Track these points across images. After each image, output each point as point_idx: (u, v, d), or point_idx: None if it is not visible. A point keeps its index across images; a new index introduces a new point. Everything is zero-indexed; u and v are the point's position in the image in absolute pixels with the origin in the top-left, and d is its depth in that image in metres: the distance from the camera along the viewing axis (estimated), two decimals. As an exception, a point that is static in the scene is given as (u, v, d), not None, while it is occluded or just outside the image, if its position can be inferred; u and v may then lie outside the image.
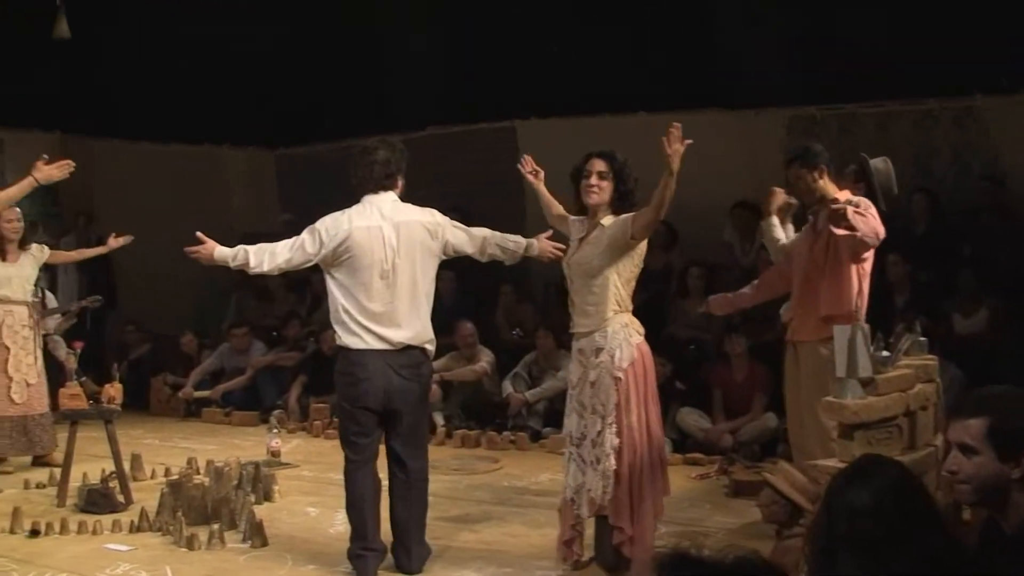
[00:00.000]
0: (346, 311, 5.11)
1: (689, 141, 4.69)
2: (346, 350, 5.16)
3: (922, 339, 5.21)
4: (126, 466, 7.18)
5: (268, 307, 12.36)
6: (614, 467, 4.89)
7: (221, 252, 5.14)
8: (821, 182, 5.51)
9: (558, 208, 5.58)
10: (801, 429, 5.60)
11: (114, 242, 8.35)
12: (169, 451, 8.77)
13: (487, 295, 10.89)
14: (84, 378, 7.77)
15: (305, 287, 11.94)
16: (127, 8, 11.12)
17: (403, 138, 13.01)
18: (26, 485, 7.40)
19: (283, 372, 10.84)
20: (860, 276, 5.43)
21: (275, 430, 8.46)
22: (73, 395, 7.12)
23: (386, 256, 5.08)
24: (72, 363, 7.44)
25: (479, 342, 9.72)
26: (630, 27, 10.61)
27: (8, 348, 7.86)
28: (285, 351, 11.12)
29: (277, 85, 12.37)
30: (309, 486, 7.44)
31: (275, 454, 8.11)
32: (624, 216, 4.99)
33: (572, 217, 5.33)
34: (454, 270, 9.67)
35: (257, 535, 5.84)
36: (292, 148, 13.67)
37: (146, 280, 11.86)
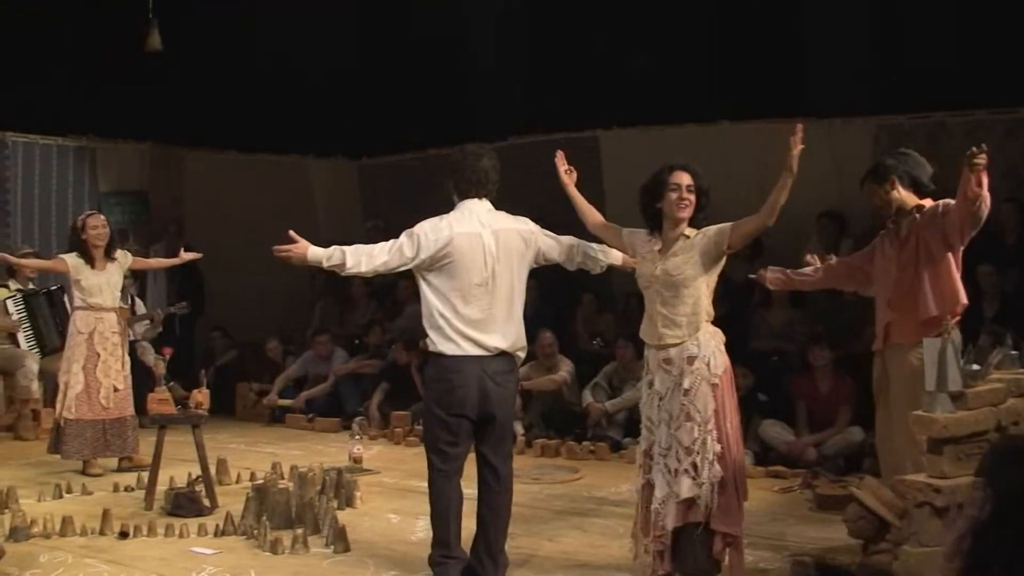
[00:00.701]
0: (442, 316, 5.05)
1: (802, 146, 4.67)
2: (441, 356, 5.08)
3: (1014, 352, 5.10)
4: (212, 470, 7.30)
5: (350, 315, 12.49)
6: (721, 473, 4.82)
7: (315, 252, 5.09)
8: (895, 193, 5.49)
9: (599, 216, 5.49)
10: (891, 444, 5.49)
11: (184, 255, 8.54)
12: (254, 456, 8.90)
13: (568, 305, 10.87)
14: (172, 383, 7.94)
15: (388, 294, 12.03)
16: (216, 21, 11.34)
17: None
18: (115, 488, 7.56)
19: (365, 379, 10.95)
20: (957, 268, 5.39)
21: (357, 437, 8.56)
22: (162, 400, 7.26)
23: (486, 263, 5.07)
24: (161, 369, 7.61)
25: (559, 352, 9.72)
26: (715, 35, 10.54)
27: (99, 354, 8.06)
28: (366, 359, 11.23)
29: (360, 96, 12.51)
30: (391, 493, 7.49)
31: (357, 460, 8.18)
32: (720, 226, 4.94)
33: (627, 229, 5.26)
34: (536, 279, 9.62)
35: (340, 540, 5.89)
36: (375, 158, 13.81)
37: (233, 287, 12.06)
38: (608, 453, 8.83)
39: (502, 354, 5.12)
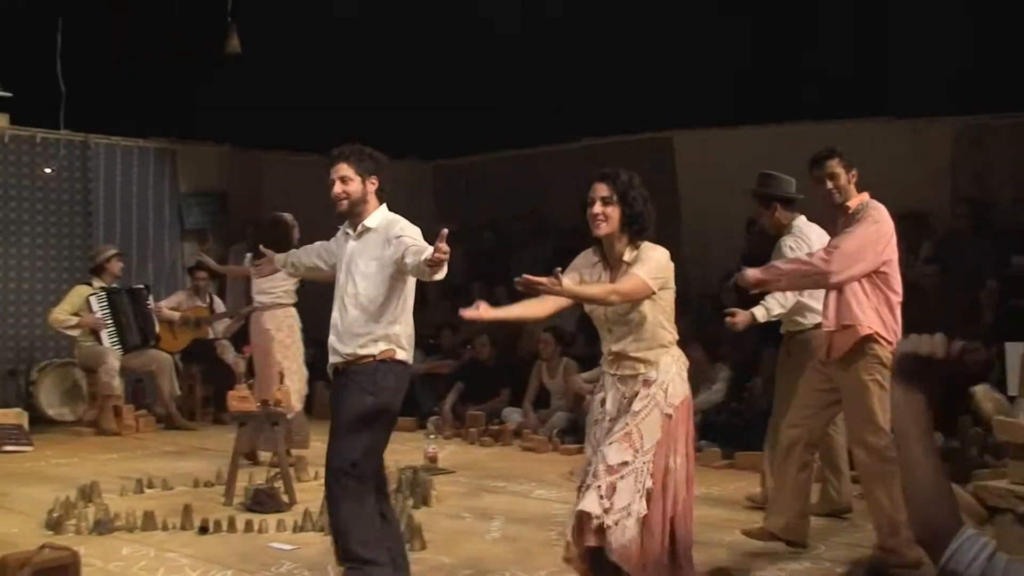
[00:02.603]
0: (411, 323, 5.05)
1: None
2: (404, 365, 5.00)
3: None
4: (290, 468, 7.39)
5: (423, 315, 12.51)
6: (644, 511, 4.15)
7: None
8: (842, 182, 5.28)
9: (537, 303, 4.40)
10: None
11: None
12: (331, 454, 8.96)
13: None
14: (252, 381, 8.05)
15: (461, 294, 12.07)
16: (294, 24, 11.47)
17: (559, 149, 12.96)
18: (195, 483, 7.67)
19: (439, 379, 11.01)
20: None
21: (432, 436, 8.61)
22: (242, 398, 7.37)
23: None
24: (241, 367, 7.73)
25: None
26: (794, 34, 10.41)
27: None
28: (440, 359, 11.29)
29: (435, 97, 12.57)
30: (465, 492, 7.52)
31: (432, 460, 8.23)
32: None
33: (578, 263, 4.51)
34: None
35: (416, 538, 5.93)
36: (450, 159, 13.88)
37: (312, 286, 12.15)
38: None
39: None
